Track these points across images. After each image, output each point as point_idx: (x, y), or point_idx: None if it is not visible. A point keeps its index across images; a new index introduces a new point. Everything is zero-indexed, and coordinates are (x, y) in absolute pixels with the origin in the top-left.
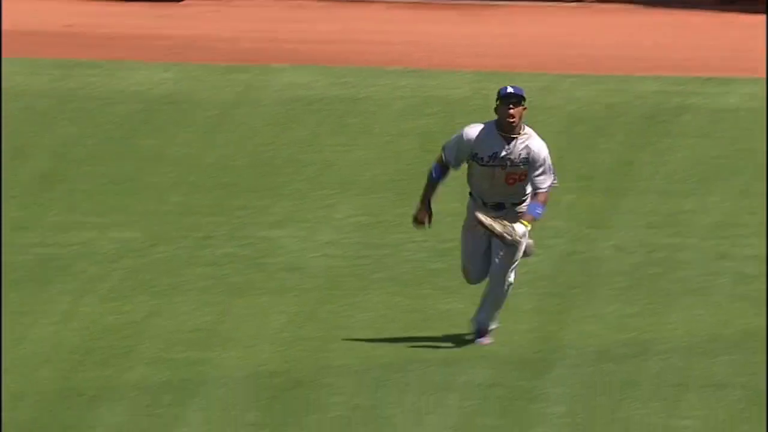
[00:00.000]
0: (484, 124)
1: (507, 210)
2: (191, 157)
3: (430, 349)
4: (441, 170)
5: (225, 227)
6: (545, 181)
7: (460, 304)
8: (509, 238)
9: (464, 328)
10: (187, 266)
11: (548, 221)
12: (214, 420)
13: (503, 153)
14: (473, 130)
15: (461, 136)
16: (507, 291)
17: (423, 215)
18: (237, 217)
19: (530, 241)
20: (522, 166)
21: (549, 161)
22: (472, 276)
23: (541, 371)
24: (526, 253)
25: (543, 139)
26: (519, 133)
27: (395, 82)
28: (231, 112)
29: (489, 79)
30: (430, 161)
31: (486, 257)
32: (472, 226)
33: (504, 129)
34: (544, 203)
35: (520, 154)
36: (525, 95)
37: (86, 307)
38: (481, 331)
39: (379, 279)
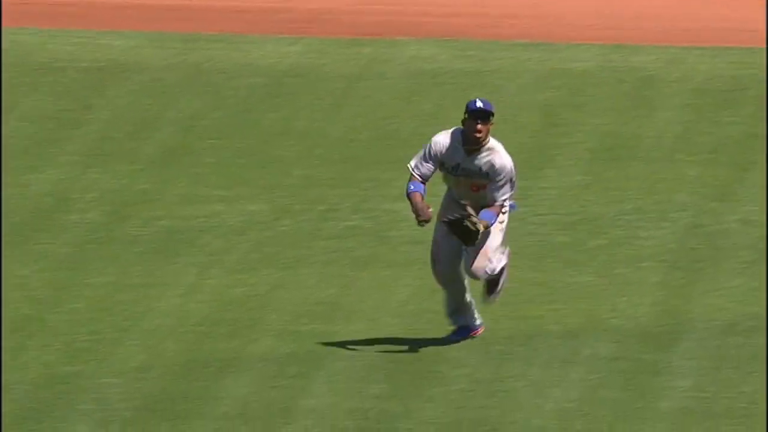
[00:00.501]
0: (451, 132)
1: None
2: (316, 131)
3: (555, 323)
4: (414, 187)
5: (349, 200)
6: (502, 195)
7: (586, 277)
8: (473, 228)
9: (590, 301)
10: (311, 239)
11: (673, 194)
12: (339, 392)
13: (465, 165)
14: (440, 139)
15: (427, 147)
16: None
17: (423, 211)
18: (361, 189)
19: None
20: (483, 179)
21: (511, 176)
22: (440, 267)
23: (666, 345)
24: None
25: (509, 153)
26: (482, 148)
27: (520, 55)
28: (355, 85)
29: (615, 52)
30: (554, 134)
31: (457, 251)
32: (445, 216)
33: (468, 143)
34: (497, 213)
35: (481, 168)
36: (494, 110)
37: (212, 280)
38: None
39: None
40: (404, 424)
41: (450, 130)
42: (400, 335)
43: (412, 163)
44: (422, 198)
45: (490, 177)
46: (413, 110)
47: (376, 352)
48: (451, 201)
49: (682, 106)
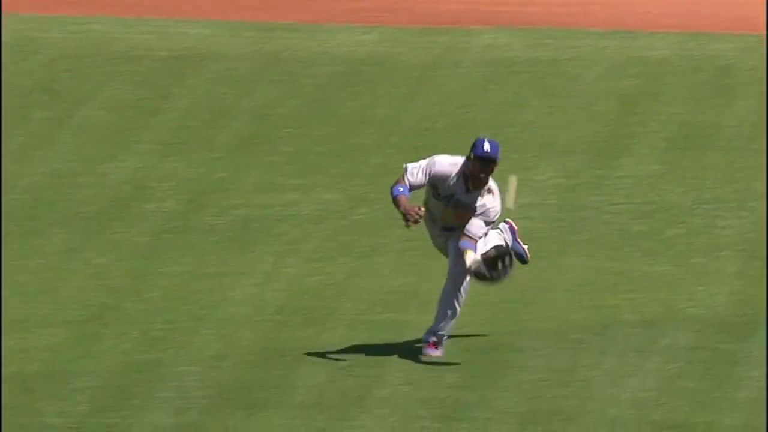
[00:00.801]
0: (455, 163)
1: (455, 230)
2: (392, 119)
3: (631, 312)
4: (403, 189)
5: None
6: (478, 230)
7: (663, 266)
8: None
9: (667, 290)
10: (387, 228)
11: (751, 183)
12: (414, 381)
13: (461, 198)
14: (442, 165)
15: (429, 165)
16: (458, 301)
17: (413, 211)
18: None
19: (477, 258)
20: (471, 213)
21: (495, 217)
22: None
23: (745, 334)
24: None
25: (503, 193)
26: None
27: (596, 44)
28: (431, 74)
29: (692, 40)
30: (630, 122)
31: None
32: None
33: (471, 183)
34: (474, 242)
35: (475, 205)
36: (499, 157)
37: (288, 269)
38: (430, 342)
39: (579, 241)
40: (479, 414)
41: (454, 160)
42: (475, 324)
43: (409, 166)
44: (408, 201)
45: (477, 213)
46: (489, 99)
47: (450, 340)
48: (428, 219)
49: (759, 95)
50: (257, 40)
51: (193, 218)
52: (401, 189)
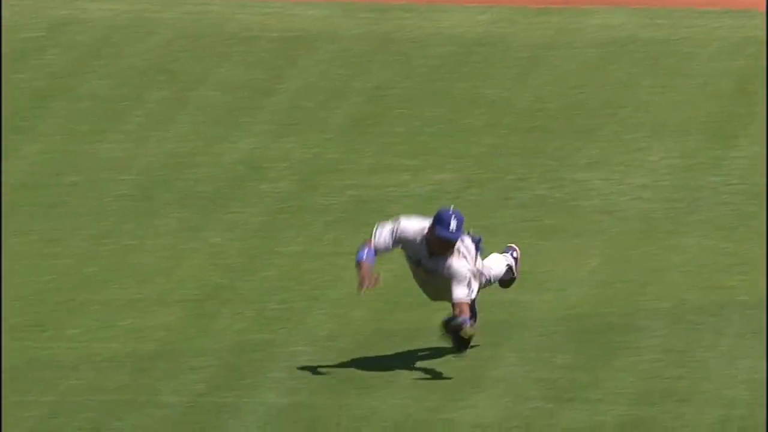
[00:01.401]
0: (420, 228)
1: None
2: (504, 100)
3: (747, 293)
4: (367, 253)
5: (537, 169)
6: (460, 293)
7: None
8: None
9: None
10: (499, 208)
11: None
12: (528, 361)
13: (426, 264)
14: (408, 229)
15: (395, 227)
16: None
17: (369, 280)
18: (549, 159)
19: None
20: (444, 278)
21: (469, 278)
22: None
23: None
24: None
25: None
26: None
27: (711, 23)
28: (544, 54)
29: None
30: (746, 103)
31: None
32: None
33: (432, 251)
34: (465, 314)
35: (441, 269)
36: (461, 233)
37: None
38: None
39: (694, 222)
40: (593, 395)
41: (420, 225)
42: (589, 305)
43: (378, 230)
44: (371, 268)
45: (448, 276)
46: (602, 79)
47: (564, 322)
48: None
49: None
50: (371, 20)
51: (306, 198)
52: (365, 254)
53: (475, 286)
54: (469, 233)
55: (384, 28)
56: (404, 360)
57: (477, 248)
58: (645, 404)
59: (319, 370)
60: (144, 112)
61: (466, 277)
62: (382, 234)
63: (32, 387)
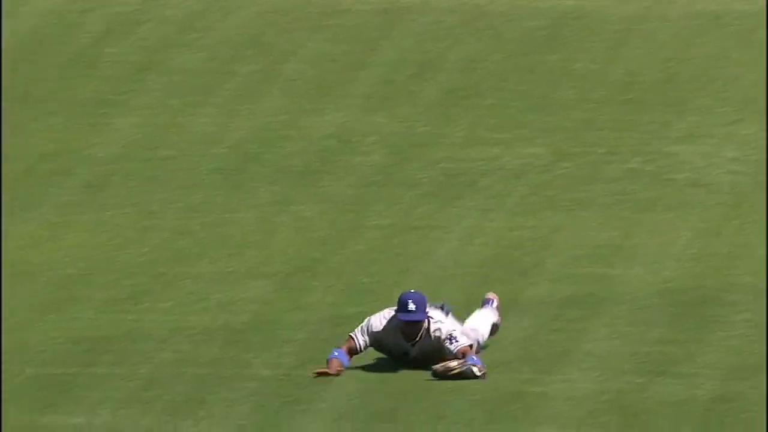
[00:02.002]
0: (389, 319)
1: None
2: (596, 73)
3: None
4: (338, 354)
5: (629, 143)
6: (458, 344)
7: None
8: (473, 373)
9: None
10: (591, 182)
11: None
12: (619, 335)
13: (415, 353)
14: (376, 325)
15: (366, 326)
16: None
17: (330, 370)
18: (641, 132)
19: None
20: (443, 351)
21: (461, 330)
22: None
23: None
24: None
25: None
26: (423, 334)
27: None
28: (637, 27)
29: None
30: None
31: None
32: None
33: (408, 338)
34: (471, 353)
35: (432, 345)
36: (425, 316)
37: (492, 222)
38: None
39: None
40: (685, 369)
41: (387, 316)
42: (682, 279)
43: (354, 332)
44: (340, 367)
45: (443, 343)
46: (695, 52)
47: (656, 296)
48: None
49: None
50: None
51: (397, 172)
52: (337, 353)
53: (466, 339)
54: (435, 306)
55: (476, 0)
56: (496, 334)
57: (446, 313)
58: (735, 379)
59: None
60: (235, 85)
61: (456, 332)
62: (357, 335)
63: (126, 359)
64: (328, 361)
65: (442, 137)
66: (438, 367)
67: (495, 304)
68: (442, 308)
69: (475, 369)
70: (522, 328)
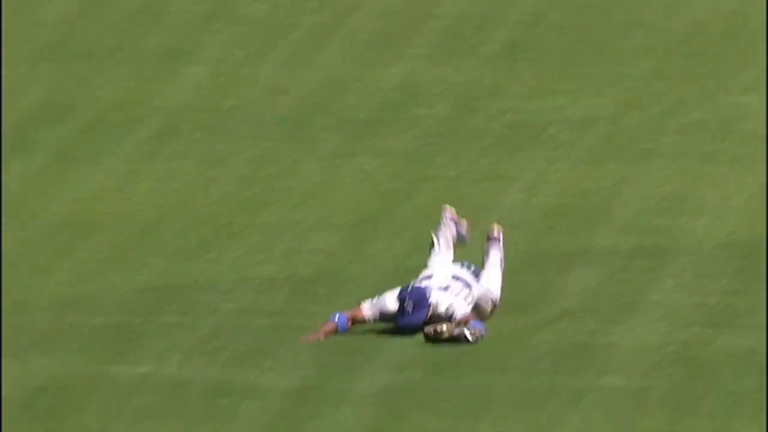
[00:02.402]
0: (394, 299)
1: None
2: (662, 24)
3: None
4: (339, 317)
5: (695, 94)
6: (459, 314)
7: None
8: (469, 337)
9: None
10: (657, 133)
11: None
12: (685, 286)
13: (429, 330)
14: (387, 308)
15: (378, 303)
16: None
17: (319, 333)
18: (707, 83)
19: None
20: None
21: (465, 306)
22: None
23: None
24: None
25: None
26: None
27: None
28: None
29: None
30: None
31: None
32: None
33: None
34: (473, 319)
35: (440, 318)
36: (423, 311)
37: (557, 173)
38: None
39: None
40: (751, 321)
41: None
42: (747, 231)
43: (365, 303)
44: (332, 332)
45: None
46: (761, 2)
47: (723, 247)
48: None
49: None
50: None
51: (462, 124)
52: (337, 317)
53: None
54: (462, 265)
55: None
56: (561, 284)
57: (476, 275)
58: None
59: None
60: (300, 37)
61: (456, 310)
62: (366, 307)
63: (193, 309)
64: (329, 319)
65: (507, 89)
66: (429, 329)
67: (499, 236)
68: (468, 268)
69: (467, 333)
70: (588, 278)
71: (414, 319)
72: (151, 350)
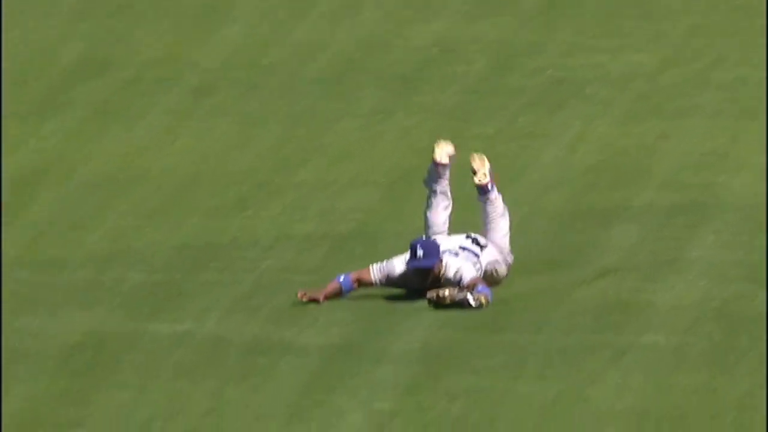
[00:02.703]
0: (402, 259)
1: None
2: None
3: None
4: (344, 279)
5: (735, 50)
6: (467, 279)
7: None
8: (470, 302)
9: None
10: (697, 89)
11: None
12: (725, 244)
13: (432, 295)
14: (394, 272)
15: (386, 267)
16: None
17: (314, 294)
18: (748, 39)
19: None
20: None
21: (476, 271)
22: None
23: None
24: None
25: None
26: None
27: None
28: None
29: None
30: None
31: None
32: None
33: (419, 284)
34: (481, 283)
35: (450, 283)
36: (435, 260)
37: (598, 130)
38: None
39: None
40: None
41: (404, 257)
42: None
43: (373, 266)
44: (335, 292)
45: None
46: None
47: (763, 205)
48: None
49: None
50: None
51: (501, 80)
52: (342, 278)
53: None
54: (468, 237)
55: None
56: (601, 241)
57: (482, 247)
58: None
59: (515, 251)
60: None
61: (465, 274)
62: (374, 271)
63: (231, 266)
64: (332, 281)
65: (546, 46)
66: (431, 294)
67: (492, 183)
68: (474, 240)
69: (470, 298)
70: (628, 235)
71: (425, 262)
72: (190, 308)
